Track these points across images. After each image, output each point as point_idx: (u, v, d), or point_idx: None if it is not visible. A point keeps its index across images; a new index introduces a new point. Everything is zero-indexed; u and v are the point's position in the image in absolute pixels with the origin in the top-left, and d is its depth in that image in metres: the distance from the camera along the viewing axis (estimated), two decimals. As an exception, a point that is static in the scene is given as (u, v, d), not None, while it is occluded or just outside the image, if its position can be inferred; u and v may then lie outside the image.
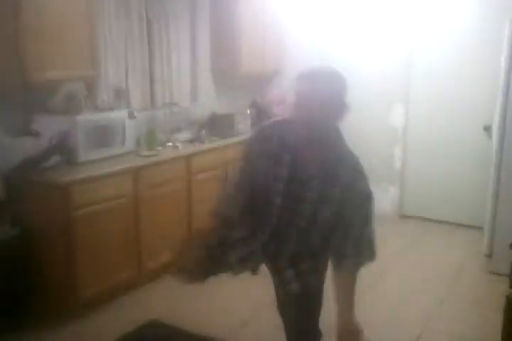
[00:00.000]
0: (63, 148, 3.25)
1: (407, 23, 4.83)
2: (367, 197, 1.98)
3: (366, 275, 3.66)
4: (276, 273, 2.20)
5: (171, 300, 3.41)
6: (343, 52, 5.08)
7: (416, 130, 4.99)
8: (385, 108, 5.00)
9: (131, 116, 3.77)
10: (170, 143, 4.06)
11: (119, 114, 3.68)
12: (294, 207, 1.97)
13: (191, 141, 4.20)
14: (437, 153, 4.91)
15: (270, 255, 2.12)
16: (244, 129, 4.62)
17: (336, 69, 1.89)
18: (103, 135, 3.49)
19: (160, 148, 3.88)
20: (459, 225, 4.81)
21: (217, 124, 4.57)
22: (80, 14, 3.31)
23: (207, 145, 4.16)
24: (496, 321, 2.27)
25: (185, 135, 4.28)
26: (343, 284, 2.04)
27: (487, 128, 4.35)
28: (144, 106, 4.27)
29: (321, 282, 2.20)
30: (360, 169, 1.96)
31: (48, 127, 3.29)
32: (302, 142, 1.92)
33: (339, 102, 1.84)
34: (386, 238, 4.68)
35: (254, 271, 2.19)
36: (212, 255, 2.13)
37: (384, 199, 5.00)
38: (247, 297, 3.46)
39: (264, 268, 2.27)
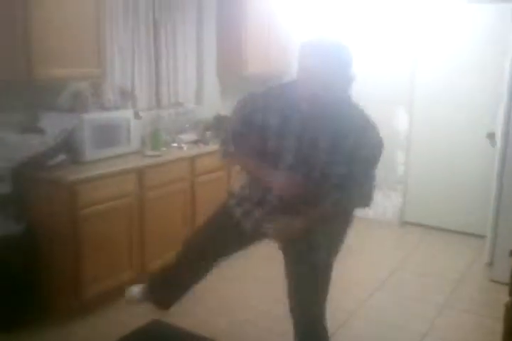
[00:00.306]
0: (69, 147, 3.25)
1: (412, 29, 4.85)
2: (378, 147, 2.10)
3: (367, 282, 3.74)
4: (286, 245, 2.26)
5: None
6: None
7: (419, 136, 5.01)
8: (389, 113, 5.00)
9: (136, 116, 3.78)
10: (175, 144, 4.07)
11: (125, 114, 3.69)
12: (305, 162, 2.06)
13: (196, 142, 4.21)
14: (440, 160, 4.92)
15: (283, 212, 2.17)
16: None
17: (340, 39, 1.98)
18: (109, 134, 3.50)
19: (164, 148, 3.88)
20: (461, 233, 4.81)
21: (221, 126, 4.58)
22: (89, 13, 3.32)
23: (211, 147, 4.16)
24: (496, 329, 2.27)
25: (189, 136, 4.29)
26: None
27: (490, 136, 4.36)
28: (150, 107, 4.29)
29: (331, 257, 2.27)
30: (371, 123, 2.09)
31: (54, 125, 3.29)
32: (310, 105, 1.98)
33: (344, 70, 1.92)
34: (387, 244, 4.74)
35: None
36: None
37: (386, 205, 5.01)
38: (248, 298, 3.47)
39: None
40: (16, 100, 3.31)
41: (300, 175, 2.07)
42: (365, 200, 2.16)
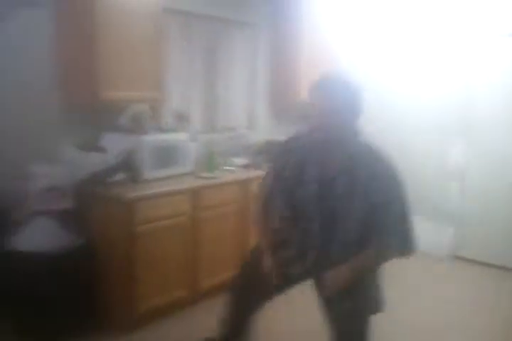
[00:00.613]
0: (128, 166, 3.36)
1: (466, 55, 4.79)
2: (394, 184, 2.08)
3: (410, 318, 3.58)
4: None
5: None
6: (399, 83, 5.12)
7: (476, 166, 4.84)
8: (445, 143, 4.93)
9: (192, 138, 3.88)
10: (227, 167, 4.14)
11: (182, 136, 3.79)
12: (327, 210, 2.10)
13: (247, 166, 4.27)
14: (498, 192, 4.72)
15: (316, 264, 2.21)
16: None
17: (349, 78, 2.08)
18: (166, 155, 3.60)
19: (217, 170, 3.96)
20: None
21: (273, 150, 4.63)
22: (149, 40, 3.49)
23: (262, 171, 4.20)
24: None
25: (241, 160, 4.36)
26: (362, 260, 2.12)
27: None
28: (204, 130, 4.41)
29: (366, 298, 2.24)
30: (382, 156, 2.08)
31: (115, 145, 3.42)
32: (321, 147, 2.09)
33: (352, 107, 2.01)
34: (438, 279, 4.57)
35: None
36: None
37: (437, 238, 4.87)
38: (297, 321, 3.44)
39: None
40: (80, 121, 3.48)
41: (321, 226, 2.12)
42: (406, 247, 2.12)
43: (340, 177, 2.05)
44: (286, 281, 2.29)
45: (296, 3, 4.77)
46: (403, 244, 2.10)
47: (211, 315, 3.43)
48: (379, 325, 2.37)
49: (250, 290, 2.39)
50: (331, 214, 2.09)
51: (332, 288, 2.14)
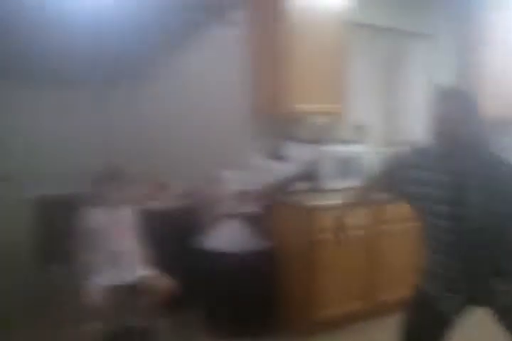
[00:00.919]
0: (310, 175, 3.45)
1: None
2: None
3: None
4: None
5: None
6: None
7: None
8: None
9: (370, 151, 3.86)
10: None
11: (360, 148, 3.80)
12: (465, 222, 1.98)
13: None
14: None
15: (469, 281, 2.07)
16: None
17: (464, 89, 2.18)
18: (344, 166, 3.64)
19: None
20: None
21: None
22: (332, 54, 3.57)
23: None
24: None
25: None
26: None
27: None
28: (383, 143, 4.36)
29: None
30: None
31: (296, 154, 3.55)
32: (453, 159, 2.01)
33: (475, 116, 2.02)
34: None
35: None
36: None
37: None
38: None
39: None
40: (266, 130, 3.66)
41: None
42: None
43: (475, 186, 1.97)
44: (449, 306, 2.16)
45: (477, 15, 4.55)
46: None
47: (384, 332, 3.39)
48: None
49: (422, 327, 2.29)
50: (468, 222, 1.99)
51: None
